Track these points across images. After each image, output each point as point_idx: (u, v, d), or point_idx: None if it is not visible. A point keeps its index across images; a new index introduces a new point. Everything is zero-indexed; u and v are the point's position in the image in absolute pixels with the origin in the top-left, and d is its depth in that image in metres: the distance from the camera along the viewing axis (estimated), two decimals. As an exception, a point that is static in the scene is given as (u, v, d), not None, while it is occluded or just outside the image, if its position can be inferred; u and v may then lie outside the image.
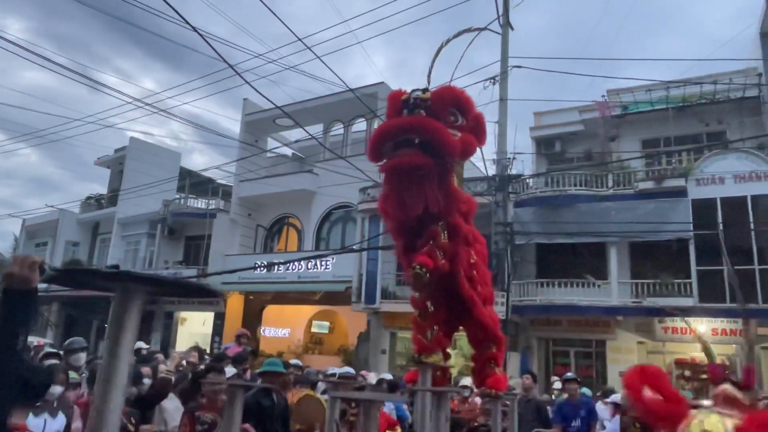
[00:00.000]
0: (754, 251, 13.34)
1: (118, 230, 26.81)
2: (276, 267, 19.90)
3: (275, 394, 5.05)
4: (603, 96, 16.49)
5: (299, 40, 8.58)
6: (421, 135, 3.51)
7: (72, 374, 4.20)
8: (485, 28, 12.19)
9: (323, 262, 19.31)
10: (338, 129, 22.58)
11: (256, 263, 20.66)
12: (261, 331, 22.03)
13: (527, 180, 16.13)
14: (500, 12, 15.39)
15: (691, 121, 15.97)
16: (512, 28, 15.55)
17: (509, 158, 14.78)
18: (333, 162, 21.18)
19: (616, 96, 16.56)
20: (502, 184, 14.58)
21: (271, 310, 22.42)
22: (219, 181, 27.14)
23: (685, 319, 13.75)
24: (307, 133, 14.02)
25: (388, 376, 7.81)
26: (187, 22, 6.34)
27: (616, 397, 7.67)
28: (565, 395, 7.47)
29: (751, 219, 13.48)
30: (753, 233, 13.34)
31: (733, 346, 14.92)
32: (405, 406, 6.56)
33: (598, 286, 14.56)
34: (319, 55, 9.37)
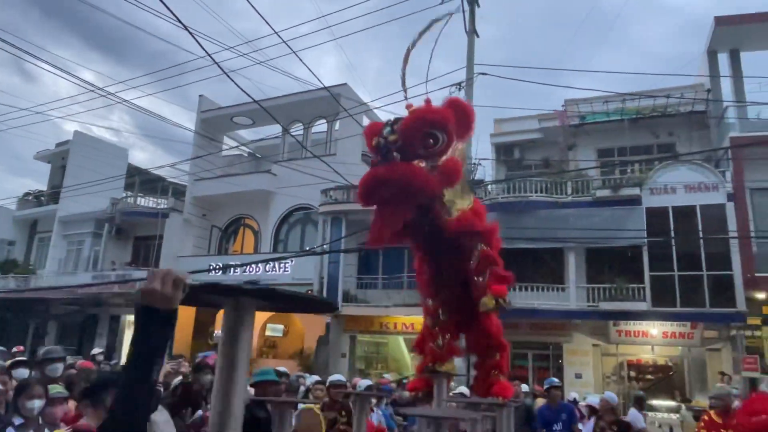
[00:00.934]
0: (702, 258, 14.04)
1: (60, 229, 25.40)
2: (232, 269, 19.39)
3: (269, 405, 4.86)
4: (562, 106, 16.99)
5: (278, 36, 8.36)
6: (397, 188, 3.37)
7: (58, 388, 3.88)
8: (452, 14, 12.30)
9: (282, 265, 18.96)
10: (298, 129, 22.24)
11: (211, 265, 20.06)
12: (214, 335, 21.40)
13: (489, 186, 16.39)
14: (466, 19, 15.58)
15: (643, 132, 16.67)
16: (478, 36, 15.76)
17: (473, 164, 14.97)
18: (293, 162, 20.91)
19: (575, 106, 17.09)
20: (466, 189, 14.72)
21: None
22: (170, 179, 26.21)
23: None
24: (287, 131, 13.63)
25: (368, 382, 7.70)
26: (179, 20, 6.04)
27: (593, 400, 7.87)
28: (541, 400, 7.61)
29: (700, 227, 14.20)
30: (701, 241, 14.04)
31: (679, 348, 15.69)
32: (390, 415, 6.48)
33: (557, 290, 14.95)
34: (295, 51, 9.17)
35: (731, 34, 15.45)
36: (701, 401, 9.15)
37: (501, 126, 19.45)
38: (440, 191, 3.57)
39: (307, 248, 19.79)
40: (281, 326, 22.46)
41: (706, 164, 14.72)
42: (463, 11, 15.55)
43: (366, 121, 21.92)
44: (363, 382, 7.77)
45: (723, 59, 16.03)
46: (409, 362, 20.32)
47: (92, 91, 11.84)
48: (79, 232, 24.78)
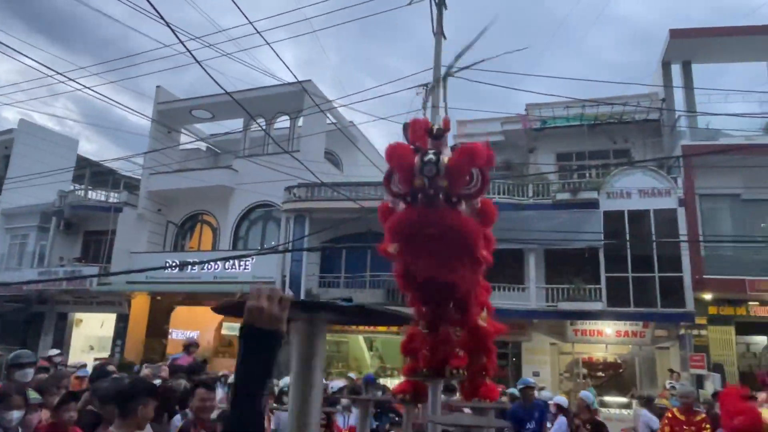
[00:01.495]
0: (654, 260, 14.67)
1: (2, 222, 24.11)
2: (189, 266, 18.90)
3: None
4: (525, 110, 17.37)
5: (254, 29, 8.18)
6: (456, 245, 3.19)
7: (33, 394, 3.67)
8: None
9: (242, 263, 18.61)
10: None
11: (167, 262, 19.48)
12: (169, 334, 20.81)
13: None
14: (434, 20, 15.68)
15: (601, 138, 17.26)
16: (445, 37, 15.88)
17: (439, 165, 15.09)
18: (255, 158, 20.55)
19: (537, 110, 17.51)
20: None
21: (180, 312, 21.21)
22: (122, 172, 25.29)
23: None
24: (260, 126, 13.38)
25: (340, 384, 7.67)
26: (155, 9, 5.81)
27: (561, 399, 8.09)
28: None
29: (653, 231, 14.82)
30: (654, 244, 14.65)
31: (630, 347, 16.34)
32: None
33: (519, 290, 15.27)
34: (270, 43, 9.00)
35: (684, 47, 16.17)
36: (664, 400, 9.53)
37: (464, 127, 19.71)
38: (481, 235, 3.36)
39: (270, 246, 19.51)
40: (238, 325, 22.04)
41: (660, 170, 15.37)
42: (431, 13, 15.67)
43: (330, 119, 21.78)
44: (335, 384, 7.74)
45: (676, 70, 16.76)
46: (369, 361, 20.36)
47: (49, 76, 11.28)
48: (24, 226, 23.60)
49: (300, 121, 20.65)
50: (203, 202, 21.66)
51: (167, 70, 19.53)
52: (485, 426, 2.47)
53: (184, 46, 6.61)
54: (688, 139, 15.78)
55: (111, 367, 5.05)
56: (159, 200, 22.05)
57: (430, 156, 3.22)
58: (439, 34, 15.87)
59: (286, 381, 5.86)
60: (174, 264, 19.25)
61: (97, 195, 23.86)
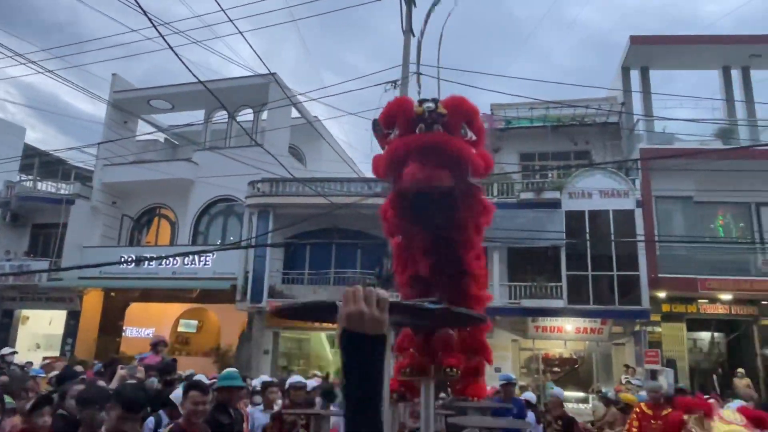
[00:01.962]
0: (613, 259, 15.13)
1: (-59, 213, 22.70)
2: (146, 262, 18.29)
3: (232, 410, 4.63)
4: (491, 110, 17.59)
5: (230, 21, 7.93)
6: (449, 155, 3.38)
7: (7, 399, 3.44)
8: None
9: (203, 258, 18.15)
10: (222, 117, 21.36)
11: (122, 257, 18.82)
12: (123, 331, 20.12)
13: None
14: (403, 18, 15.68)
15: (563, 139, 17.65)
16: (413, 35, 15.91)
17: (407, 162, 15.11)
18: (216, 151, 20.08)
19: (502, 110, 17.76)
20: (399, 187, 14.84)
21: (135, 309, 20.52)
22: (74, 163, 24.21)
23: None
24: (233, 118, 13.03)
25: (313, 383, 7.56)
26: (145, 13, 5.54)
27: (529, 395, 8.24)
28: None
29: (612, 230, 15.29)
30: (613, 243, 15.12)
31: (586, 343, 16.82)
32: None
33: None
34: (242, 32, 8.77)
35: (643, 53, 16.73)
36: (628, 394, 9.82)
37: (429, 126, 19.78)
38: (481, 176, 3.55)
39: (231, 241, 19.11)
40: (195, 322, 21.54)
41: (619, 172, 15.86)
42: (401, 10, 15.65)
43: (295, 113, 21.49)
44: (309, 383, 7.63)
45: (635, 75, 17.31)
46: (331, 358, 20.24)
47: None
48: (-34, 218, 22.28)
49: (264, 115, 20.29)
50: (161, 196, 21.01)
51: (120, 59, 18.80)
52: (507, 427, 2.47)
53: (159, 33, 6.34)
54: (646, 142, 16.34)
55: (79, 368, 4.80)
56: (114, 193, 21.25)
57: (430, 99, 3.50)
58: (407, 31, 15.91)
59: (296, 379, 5.71)
60: (130, 259, 18.62)
61: (46, 186, 22.76)
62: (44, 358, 15.95)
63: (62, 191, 21.86)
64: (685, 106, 17.06)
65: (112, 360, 5.53)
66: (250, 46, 8.65)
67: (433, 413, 4.26)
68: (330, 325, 14.98)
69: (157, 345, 6.28)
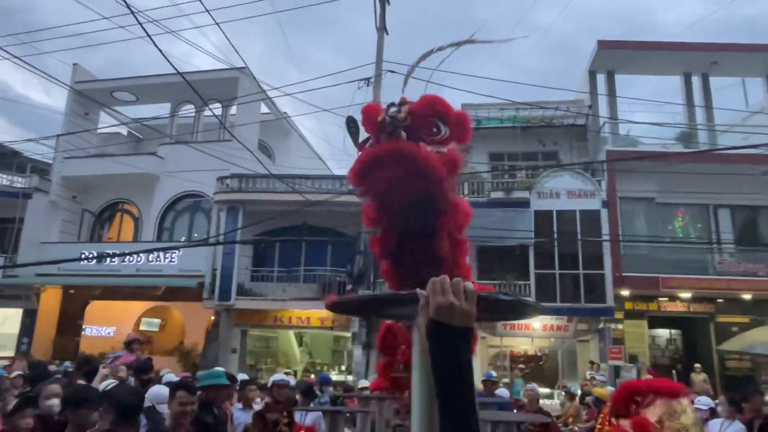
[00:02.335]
0: (579, 258, 15.49)
1: None
2: (108, 258, 17.74)
3: (216, 410, 4.53)
4: (462, 110, 17.71)
5: (204, 7, 7.73)
6: (405, 165, 3.37)
7: (-16, 401, 3.27)
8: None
9: (168, 255, 17.71)
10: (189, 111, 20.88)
11: (83, 253, 18.18)
12: (83, 330, 19.46)
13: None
14: (377, 16, 15.65)
15: (531, 140, 17.96)
16: (387, 33, 15.90)
17: (379, 160, 15.10)
18: (183, 146, 19.63)
19: (473, 110, 17.91)
20: (372, 185, 14.80)
21: (96, 307, 19.87)
22: (29, 155, 23.21)
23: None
24: (212, 112, 12.75)
25: (289, 381, 7.46)
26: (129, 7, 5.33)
27: (502, 392, 8.36)
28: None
29: (579, 230, 15.64)
30: (580, 243, 15.47)
31: (551, 340, 17.19)
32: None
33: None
34: (218, 23, 8.58)
35: (609, 57, 17.16)
36: (599, 389, 10.05)
37: (400, 124, 19.81)
38: (447, 180, 3.53)
39: (198, 238, 18.71)
40: (158, 320, 21.01)
41: (586, 173, 16.24)
42: (375, 8, 15.62)
43: (264, 109, 21.20)
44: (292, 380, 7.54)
45: (601, 79, 17.74)
46: (299, 356, 20.08)
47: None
48: None
49: (233, 109, 19.93)
50: (124, 190, 20.41)
51: (76, 49, 18.10)
52: (526, 421, 2.48)
53: (138, 22, 6.14)
54: (611, 144, 16.77)
55: (52, 367, 4.60)
56: (74, 187, 20.52)
57: (394, 102, 3.46)
58: (381, 29, 15.89)
59: (280, 377, 5.61)
60: (91, 255, 18.02)
61: (0, 179, 21.79)
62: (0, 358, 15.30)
63: (17, 184, 20.95)
64: (649, 110, 17.57)
65: (86, 359, 5.32)
66: (225, 37, 8.47)
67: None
68: (302, 323, 14.80)
69: (131, 343, 6.07)
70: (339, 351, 21.64)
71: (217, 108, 20.38)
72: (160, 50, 6.88)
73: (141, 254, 17.57)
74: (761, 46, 17.33)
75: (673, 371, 15.01)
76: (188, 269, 17.32)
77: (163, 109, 21.19)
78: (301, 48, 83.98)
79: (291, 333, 19.51)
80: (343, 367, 18.87)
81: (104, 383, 4.06)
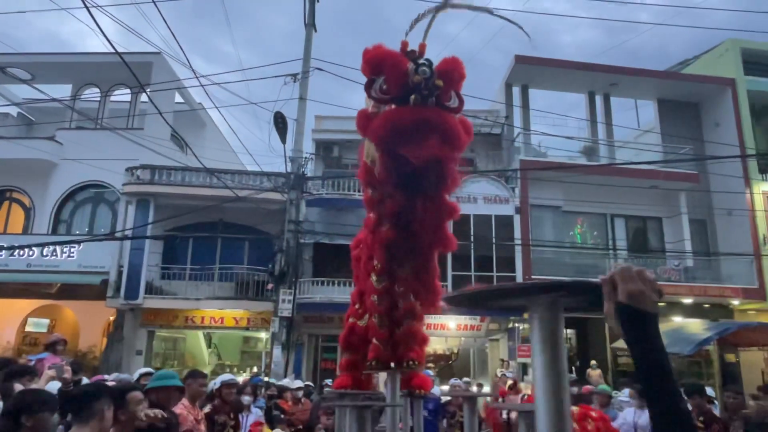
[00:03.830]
0: (494, 261, 16.24)
1: None
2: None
3: (167, 413, 4.26)
4: (386, 112, 17.91)
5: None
6: (443, 135, 3.37)
7: None
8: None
9: (66, 249, 16.28)
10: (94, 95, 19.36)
11: (-38, 245, 16.23)
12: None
13: (319, 181, 16.52)
14: (306, 12, 15.49)
15: (450, 146, 18.52)
16: (315, 30, 15.76)
17: (305, 157, 14.93)
18: (85, 132, 18.22)
19: (396, 114, 18.18)
20: (296, 183, 14.61)
21: (-26, 306, 17.85)
22: None
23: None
24: (150, 99, 12.01)
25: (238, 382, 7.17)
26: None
27: (435, 390, 8.58)
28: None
29: (494, 234, 16.40)
30: (494, 246, 16.22)
31: (461, 339, 17.88)
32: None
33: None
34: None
35: (524, 72, 18.16)
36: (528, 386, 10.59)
37: (322, 123, 19.69)
38: (462, 149, 3.52)
39: (103, 232, 17.38)
40: (46, 321, 19.26)
41: (501, 180, 17.07)
42: (304, 3, 15.43)
43: (178, 98, 20.15)
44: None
45: (516, 91, 18.73)
46: (207, 358, 19.28)
47: None
48: None
49: (144, 97, 18.73)
50: (13, 177, 18.45)
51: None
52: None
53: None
54: (524, 154, 17.76)
55: None
56: (-48, 171, 18.28)
57: (424, 60, 3.35)
58: (310, 26, 15.73)
59: (229, 377, 5.35)
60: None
61: None
62: None
63: None
64: (557, 124, 18.79)
65: (6, 361, 4.76)
66: (165, 22, 7.96)
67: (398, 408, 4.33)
68: (216, 323, 14.27)
69: (55, 344, 5.50)
70: (249, 352, 21.05)
71: (126, 94, 19.12)
72: (98, 25, 6.32)
73: (34, 248, 16.03)
74: (654, 72, 19.20)
75: (573, 367, 16.17)
76: (90, 265, 16.02)
77: (63, 90, 19.48)
78: (207, 39, 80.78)
79: (200, 334, 18.69)
80: (255, 369, 18.37)
81: (50, 385, 3.68)
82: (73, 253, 16.39)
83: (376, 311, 4.20)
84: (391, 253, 4.10)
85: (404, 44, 3.49)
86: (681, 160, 17.38)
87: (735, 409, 6.46)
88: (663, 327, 13.56)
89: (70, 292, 16.81)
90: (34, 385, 4.19)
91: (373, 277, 4.29)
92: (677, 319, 16.19)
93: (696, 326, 15.72)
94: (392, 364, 4.07)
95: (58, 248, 16.24)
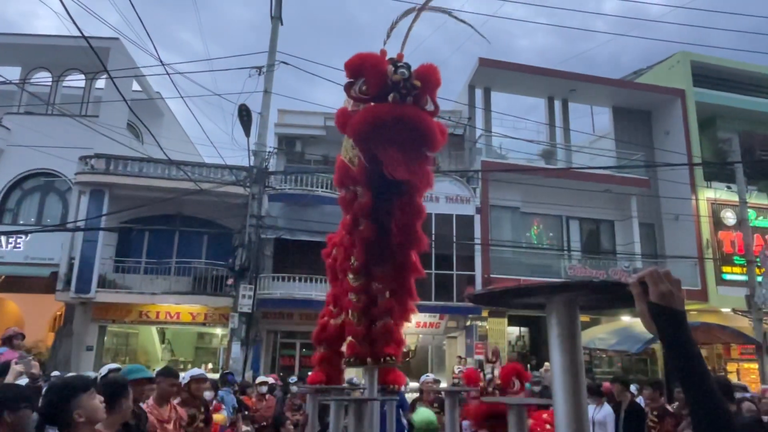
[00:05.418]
0: (454, 260, 16.47)
1: None
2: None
3: (137, 408, 4.16)
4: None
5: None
6: (418, 131, 3.46)
7: None
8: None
9: (12, 240, 15.55)
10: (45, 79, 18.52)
11: None
12: None
13: (281, 176, 16.33)
14: (272, 5, 15.28)
15: (413, 145, 18.65)
16: (282, 23, 15.57)
17: (268, 152, 14.74)
18: (34, 117, 17.43)
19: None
20: (259, 177, 14.41)
21: None
22: None
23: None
24: (113, 83, 11.62)
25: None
26: None
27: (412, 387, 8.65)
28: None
29: (454, 233, 16.63)
30: (455, 245, 16.46)
31: (420, 336, 18.09)
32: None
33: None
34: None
35: (487, 75, 18.46)
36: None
37: (284, 117, 19.48)
38: (436, 149, 3.65)
39: (49, 222, 16.65)
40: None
41: (462, 180, 17.32)
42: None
43: (136, 86, 19.52)
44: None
45: (479, 93, 19.02)
46: (160, 354, 18.81)
47: None
48: None
49: (100, 83, 18.08)
50: (-46, 162, 17.49)
51: None
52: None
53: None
54: (485, 155, 18.08)
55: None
56: None
57: (403, 63, 3.47)
58: (276, 18, 15.53)
59: (198, 372, 5.24)
60: None
61: None
62: None
63: None
64: (517, 127, 19.21)
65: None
66: (133, 4, 7.70)
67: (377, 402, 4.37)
68: (172, 318, 14.00)
69: (12, 338, 5.23)
70: (204, 348, 20.63)
71: (80, 80, 18.39)
72: (64, 6, 6.06)
73: (-24, 238, 15.25)
74: (610, 80, 19.89)
75: (528, 365, 16.61)
76: (37, 257, 15.38)
77: (12, 73, 18.54)
78: (163, 25, 78.44)
79: (153, 329, 18.21)
80: (210, 365, 18.03)
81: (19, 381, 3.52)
82: (19, 244, 15.69)
83: (354, 308, 4.25)
84: (369, 251, 4.17)
85: (383, 53, 3.60)
86: (634, 166, 18.08)
87: (684, 404, 6.84)
88: (612, 327, 14.06)
89: (14, 284, 16.05)
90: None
91: (350, 276, 4.36)
92: (626, 319, 16.84)
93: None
94: (369, 360, 4.13)
95: (3, 238, 15.51)
